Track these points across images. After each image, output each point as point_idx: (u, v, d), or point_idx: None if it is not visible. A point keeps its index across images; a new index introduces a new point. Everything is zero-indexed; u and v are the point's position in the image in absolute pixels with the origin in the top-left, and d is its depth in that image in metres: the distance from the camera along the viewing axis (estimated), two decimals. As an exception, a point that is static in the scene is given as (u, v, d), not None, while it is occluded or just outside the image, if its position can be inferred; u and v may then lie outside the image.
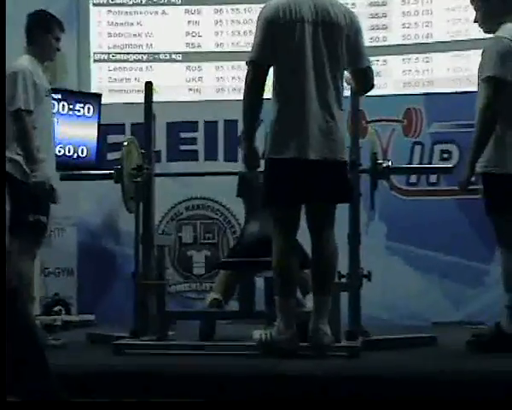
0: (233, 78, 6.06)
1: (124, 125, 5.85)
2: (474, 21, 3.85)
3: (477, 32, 3.97)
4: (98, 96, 5.76)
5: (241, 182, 4.59)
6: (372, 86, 3.60)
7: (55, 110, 5.34)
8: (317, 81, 3.38)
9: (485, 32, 3.85)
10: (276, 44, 3.40)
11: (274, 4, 3.46)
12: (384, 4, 5.94)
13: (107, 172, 4.10)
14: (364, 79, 3.55)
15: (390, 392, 2.91)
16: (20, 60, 4.05)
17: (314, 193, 3.42)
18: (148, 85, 4.15)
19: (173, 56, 6.11)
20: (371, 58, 3.68)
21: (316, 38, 3.39)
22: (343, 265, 3.73)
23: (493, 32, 3.73)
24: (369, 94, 3.73)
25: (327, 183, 3.41)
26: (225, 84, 6.07)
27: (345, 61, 3.45)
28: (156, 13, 6.15)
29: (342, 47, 3.43)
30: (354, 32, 3.47)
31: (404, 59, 5.87)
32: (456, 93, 5.52)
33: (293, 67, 3.40)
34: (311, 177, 3.38)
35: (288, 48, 3.39)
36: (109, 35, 6.15)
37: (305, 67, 3.38)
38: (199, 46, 6.11)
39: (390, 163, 4.00)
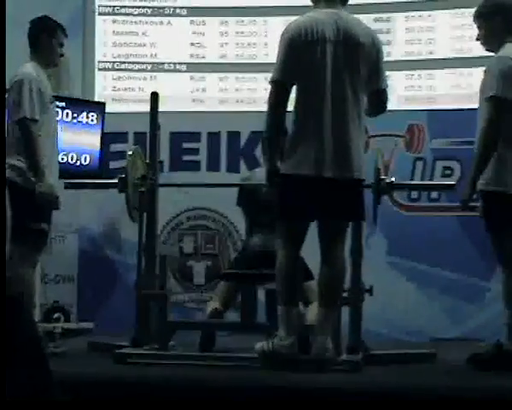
0: (237, 89, 6.08)
1: (127, 134, 5.87)
2: (477, 39, 3.89)
3: (480, 50, 4.00)
4: (102, 104, 5.78)
5: (241, 192, 4.60)
6: (385, 110, 3.61)
7: (59, 118, 5.35)
8: (336, 99, 3.40)
9: (487, 50, 3.88)
10: (297, 64, 3.41)
11: (296, 24, 3.48)
12: (388, 20, 5.96)
13: (112, 181, 4.11)
14: (380, 101, 3.57)
15: (390, 407, 2.91)
16: (25, 67, 4.05)
17: (327, 210, 3.44)
18: (154, 96, 4.16)
19: (177, 67, 6.13)
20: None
21: (337, 57, 3.41)
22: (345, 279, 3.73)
23: (495, 51, 3.77)
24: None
25: (341, 201, 3.43)
26: (229, 95, 6.09)
27: (365, 81, 3.46)
28: (161, 23, 6.17)
29: (363, 66, 3.45)
30: (375, 52, 3.50)
31: (407, 75, 5.90)
32: (458, 110, 5.54)
33: (313, 86, 3.42)
34: (325, 194, 3.40)
35: (309, 67, 3.41)
36: (114, 44, 6.17)
37: (325, 85, 3.40)
38: (203, 57, 6.13)
39: (393, 179, 4.01)
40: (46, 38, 4.14)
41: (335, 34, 3.43)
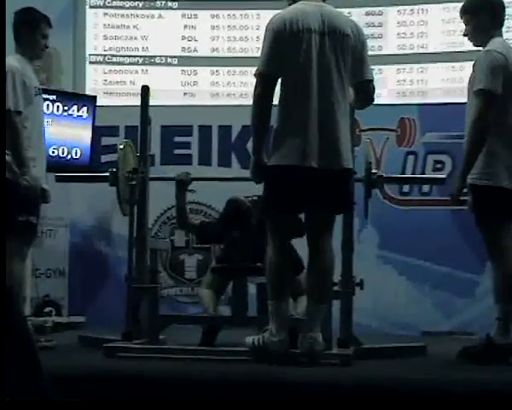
0: (228, 83, 6.08)
1: (118, 127, 5.86)
2: (464, 35, 3.90)
3: (471, 45, 4.00)
4: (93, 98, 5.76)
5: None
6: (372, 101, 3.60)
7: (49, 111, 5.35)
8: (322, 90, 3.39)
9: (475, 45, 3.90)
10: (283, 55, 3.40)
11: (281, 16, 3.47)
12: (380, 14, 5.97)
13: (103, 174, 4.11)
14: (367, 92, 3.56)
15: (381, 401, 2.92)
16: (9, 59, 3.99)
17: (315, 201, 3.43)
18: (145, 89, 4.16)
19: (169, 60, 6.13)
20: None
21: (323, 48, 3.41)
22: (336, 273, 3.73)
23: (482, 46, 3.78)
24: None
25: (328, 192, 3.42)
26: (220, 89, 6.09)
27: (350, 72, 3.47)
28: (153, 16, 6.16)
29: (349, 57, 3.45)
30: (360, 44, 3.50)
31: (398, 69, 5.91)
32: (450, 104, 5.54)
33: (299, 77, 3.41)
34: (312, 185, 3.39)
35: (294, 58, 3.40)
36: (105, 37, 6.15)
37: (311, 76, 3.39)
38: (195, 51, 6.13)
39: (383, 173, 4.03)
40: (28, 30, 4.08)
41: (320, 25, 3.42)
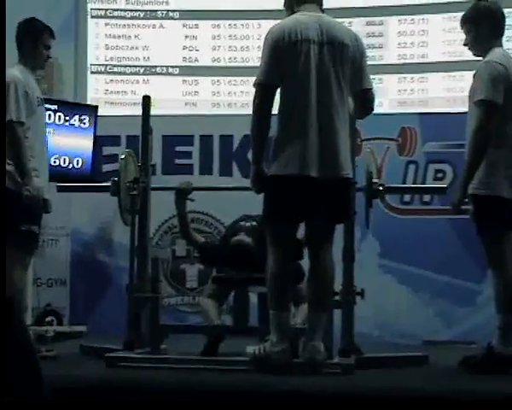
0: (229, 93, 6.09)
1: (119, 137, 5.87)
2: (464, 44, 3.91)
3: (471, 54, 4.02)
4: (94, 107, 5.78)
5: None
6: (372, 110, 3.61)
7: (51, 121, 5.37)
8: (321, 100, 3.41)
9: (475, 55, 3.91)
10: (282, 65, 3.42)
11: (280, 26, 3.49)
12: (380, 24, 5.98)
13: (105, 184, 4.12)
14: (366, 101, 3.57)
15: (382, 410, 2.92)
16: (11, 70, 4.01)
17: (315, 211, 3.43)
18: (146, 99, 4.17)
19: (170, 70, 6.15)
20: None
21: (321, 58, 3.42)
22: (337, 282, 3.73)
23: (483, 56, 3.79)
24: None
25: (328, 201, 3.42)
26: (221, 98, 6.10)
27: (349, 81, 3.48)
28: (154, 26, 6.18)
29: (347, 67, 3.46)
30: (359, 54, 3.51)
31: (399, 78, 5.92)
32: (450, 113, 5.56)
33: (298, 87, 3.42)
34: (312, 194, 3.40)
35: (293, 68, 3.42)
36: (106, 47, 6.18)
37: (310, 85, 3.41)
38: (196, 60, 6.15)
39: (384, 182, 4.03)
40: (31, 40, 4.10)
41: (319, 36, 3.44)
